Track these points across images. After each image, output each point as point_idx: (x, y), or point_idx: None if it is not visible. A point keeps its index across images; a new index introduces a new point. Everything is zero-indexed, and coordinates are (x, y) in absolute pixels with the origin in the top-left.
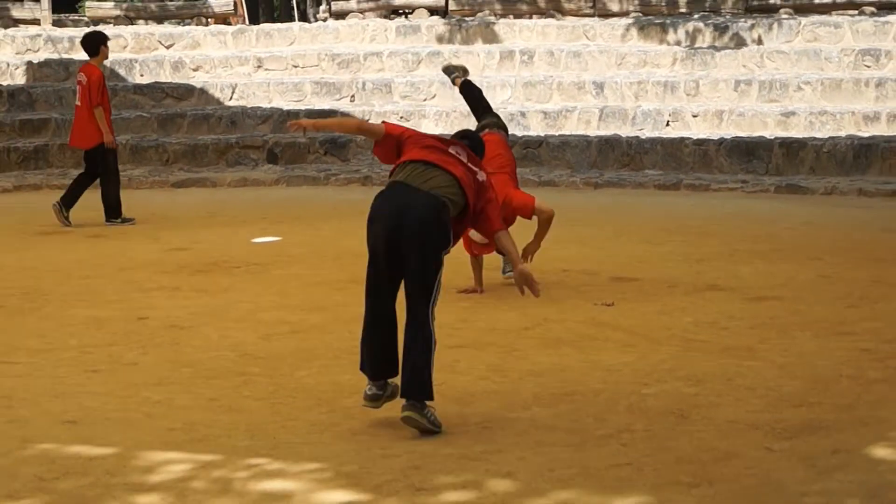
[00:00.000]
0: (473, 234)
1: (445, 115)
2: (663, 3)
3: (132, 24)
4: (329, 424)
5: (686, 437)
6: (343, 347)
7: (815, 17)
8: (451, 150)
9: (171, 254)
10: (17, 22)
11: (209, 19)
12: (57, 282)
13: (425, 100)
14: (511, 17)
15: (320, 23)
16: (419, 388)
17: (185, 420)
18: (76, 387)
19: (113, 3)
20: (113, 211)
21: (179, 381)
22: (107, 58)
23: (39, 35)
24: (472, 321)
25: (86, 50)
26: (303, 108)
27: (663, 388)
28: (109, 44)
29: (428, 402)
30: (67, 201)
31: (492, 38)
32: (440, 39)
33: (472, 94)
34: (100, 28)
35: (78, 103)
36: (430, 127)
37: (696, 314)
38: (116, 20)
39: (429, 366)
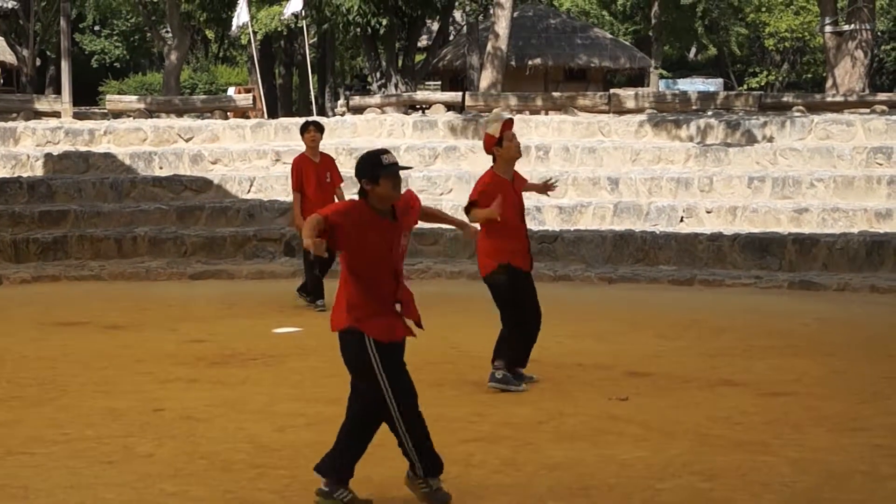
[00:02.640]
0: None
1: (462, 210)
2: (677, 101)
3: (151, 116)
4: None
5: None
6: None
7: (828, 115)
8: None
9: (188, 345)
10: (38, 114)
11: (229, 113)
12: (74, 373)
13: (442, 194)
14: (527, 112)
15: (338, 117)
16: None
17: None
18: (92, 478)
19: (136, 97)
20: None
21: (195, 473)
22: (309, 145)
23: (60, 127)
24: (487, 415)
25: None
26: None
27: (678, 483)
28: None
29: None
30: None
31: None
32: (456, 134)
33: None
34: (120, 121)
35: None
36: None
37: (709, 409)
38: (137, 113)
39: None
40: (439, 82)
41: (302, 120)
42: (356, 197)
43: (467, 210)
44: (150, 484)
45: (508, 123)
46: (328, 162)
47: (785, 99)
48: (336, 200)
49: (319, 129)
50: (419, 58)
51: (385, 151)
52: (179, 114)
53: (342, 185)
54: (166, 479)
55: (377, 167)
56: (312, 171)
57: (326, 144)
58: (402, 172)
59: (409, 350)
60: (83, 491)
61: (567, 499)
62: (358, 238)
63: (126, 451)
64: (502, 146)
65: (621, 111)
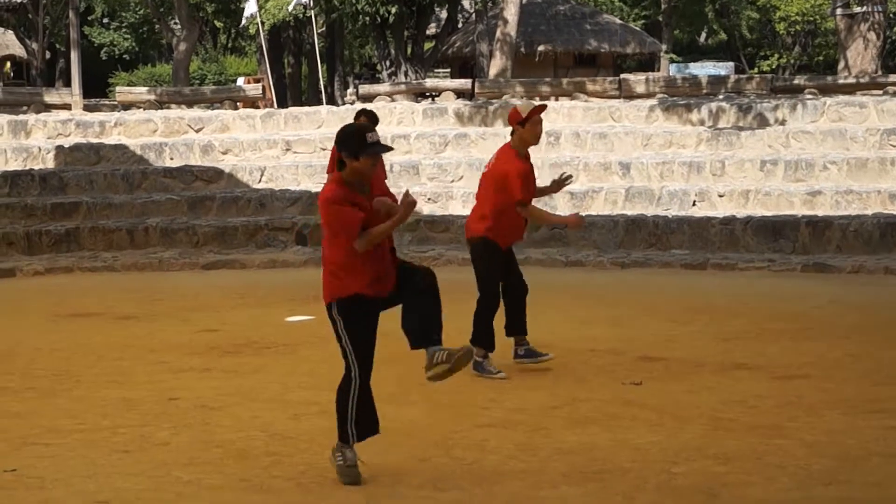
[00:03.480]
0: None
1: (473, 197)
2: (687, 85)
3: (162, 108)
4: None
5: None
6: None
7: (840, 98)
8: None
9: (201, 335)
10: (49, 107)
11: (238, 103)
12: (88, 363)
13: (452, 181)
14: (537, 98)
15: (348, 105)
16: None
17: (215, 500)
18: (108, 467)
19: (145, 88)
20: None
21: (210, 462)
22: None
23: (70, 120)
24: (501, 401)
25: None
26: None
27: (692, 467)
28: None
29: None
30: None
31: None
32: (466, 121)
33: None
34: (131, 112)
35: None
36: (457, 208)
37: (723, 393)
38: (147, 105)
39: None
40: (448, 70)
41: (312, 109)
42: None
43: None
44: (165, 472)
45: (540, 108)
46: None
47: (797, 82)
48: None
49: (372, 118)
50: (428, 46)
51: (370, 129)
52: (189, 104)
53: (385, 181)
54: (182, 467)
55: (361, 144)
56: None
57: (335, 132)
58: (412, 162)
59: None
60: (99, 480)
61: (581, 483)
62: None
63: (141, 440)
64: (524, 126)
65: (631, 96)
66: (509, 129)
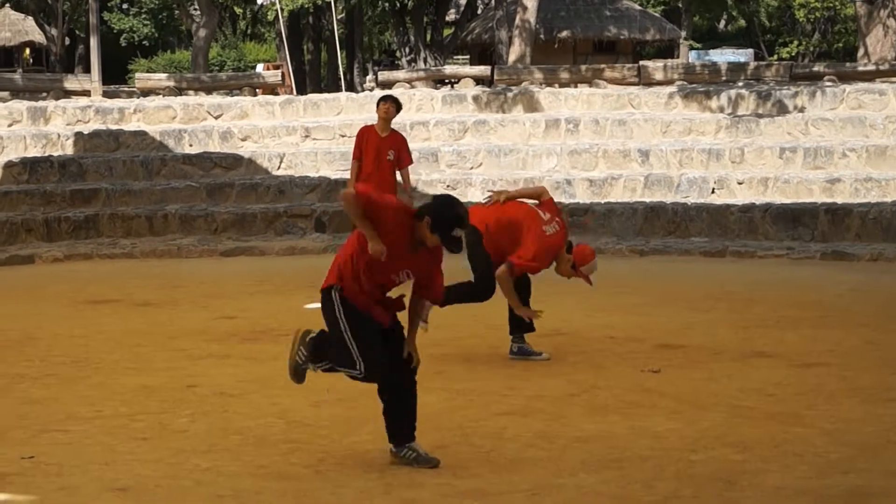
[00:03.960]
0: None
1: (492, 184)
2: (707, 72)
3: (181, 94)
4: (379, 491)
5: (734, 503)
6: None
7: (860, 85)
8: None
9: (220, 322)
10: (68, 93)
11: (257, 90)
12: (107, 350)
13: (471, 168)
14: (556, 85)
15: (367, 92)
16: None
17: (233, 487)
18: (126, 454)
19: (165, 75)
20: None
21: (228, 449)
22: (381, 116)
23: (89, 106)
24: (519, 388)
25: None
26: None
27: (711, 455)
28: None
29: None
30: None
31: (536, 106)
32: (485, 108)
33: None
34: (150, 99)
35: None
36: (476, 195)
37: (742, 381)
38: (166, 91)
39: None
40: (468, 56)
41: (332, 96)
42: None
43: None
44: (184, 459)
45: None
46: (398, 140)
47: (816, 69)
48: (398, 180)
49: (396, 104)
50: (447, 32)
51: (463, 222)
52: (208, 91)
53: (411, 166)
54: (200, 454)
55: (444, 228)
56: (374, 145)
57: (355, 119)
58: (432, 149)
59: (440, 326)
60: (118, 467)
61: (600, 471)
62: (386, 234)
63: (160, 427)
64: (575, 270)
65: (650, 83)
66: (528, 115)
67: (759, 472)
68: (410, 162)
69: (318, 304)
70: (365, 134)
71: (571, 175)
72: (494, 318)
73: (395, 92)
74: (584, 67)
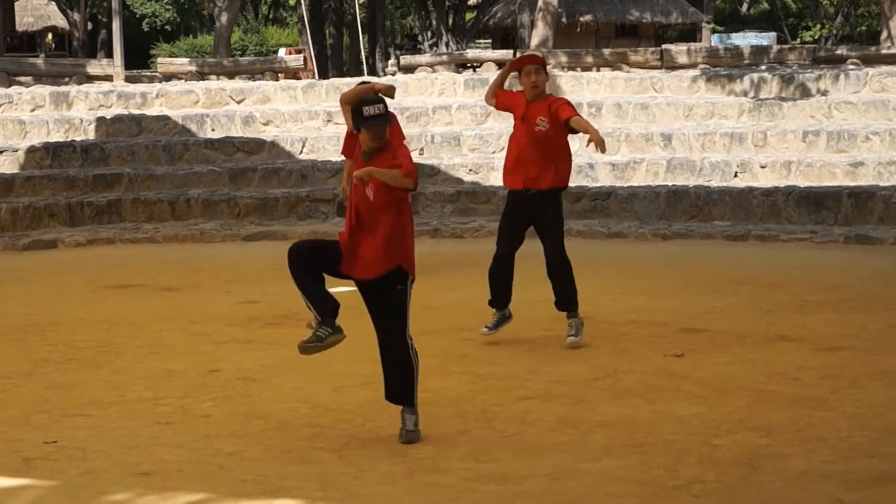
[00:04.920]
0: None
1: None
2: (729, 55)
3: (203, 79)
4: (402, 475)
5: (757, 487)
6: None
7: (883, 68)
8: None
9: (242, 307)
10: (91, 78)
11: (280, 74)
12: (130, 335)
13: (494, 152)
14: (578, 69)
15: (389, 77)
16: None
17: (257, 472)
18: (149, 439)
19: (187, 59)
20: None
21: (251, 433)
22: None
23: (112, 91)
24: (542, 373)
25: None
26: None
27: (734, 439)
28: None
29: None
30: None
31: (558, 90)
32: None
33: None
34: (172, 83)
35: None
36: (498, 179)
37: (766, 365)
38: (188, 76)
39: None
40: (490, 40)
41: (354, 80)
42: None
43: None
44: (207, 444)
45: (527, 59)
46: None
47: (839, 52)
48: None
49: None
50: (469, 16)
51: (371, 102)
52: (230, 76)
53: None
54: (223, 439)
55: (358, 118)
56: None
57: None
58: (454, 133)
59: (462, 310)
60: (141, 451)
61: (623, 456)
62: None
63: (183, 412)
64: (519, 77)
65: (673, 66)
66: None
67: (782, 456)
68: (403, 137)
69: (342, 289)
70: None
71: (594, 159)
72: (516, 301)
73: (418, 76)
74: (608, 51)
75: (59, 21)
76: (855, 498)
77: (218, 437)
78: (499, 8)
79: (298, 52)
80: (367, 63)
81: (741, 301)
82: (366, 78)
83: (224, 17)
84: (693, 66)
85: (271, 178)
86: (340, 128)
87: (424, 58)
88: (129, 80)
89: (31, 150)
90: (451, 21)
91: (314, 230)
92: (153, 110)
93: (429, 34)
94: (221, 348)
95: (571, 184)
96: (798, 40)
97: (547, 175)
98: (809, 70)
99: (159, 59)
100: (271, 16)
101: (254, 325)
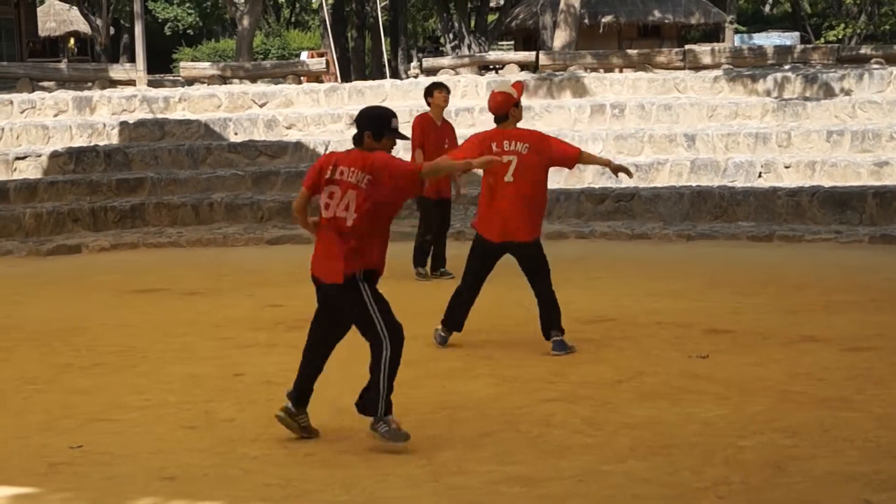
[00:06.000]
0: None
1: None
2: (753, 55)
3: (226, 83)
4: (426, 478)
5: (783, 489)
6: (436, 402)
7: None
8: None
9: (266, 310)
10: (113, 83)
11: (302, 77)
12: (154, 339)
13: None
14: (601, 70)
15: (412, 79)
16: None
17: (281, 476)
18: (174, 443)
19: (209, 63)
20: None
21: (275, 437)
22: (441, 105)
23: (135, 95)
24: (566, 375)
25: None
26: None
27: (759, 441)
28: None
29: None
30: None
31: (582, 91)
32: (530, 94)
33: None
34: (195, 87)
35: None
36: None
37: (791, 366)
38: (211, 79)
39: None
40: (512, 42)
41: (376, 83)
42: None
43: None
44: (231, 448)
45: (519, 86)
46: (449, 129)
47: (863, 51)
48: None
49: (448, 90)
50: (491, 18)
51: (395, 115)
52: (253, 79)
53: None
54: (248, 443)
55: (386, 127)
56: (433, 134)
57: (399, 106)
58: (476, 133)
59: (485, 312)
60: (166, 456)
61: (648, 458)
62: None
63: (207, 416)
64: (518, 108)
65: (697, 67)
66: (576, 101)
67: (808, 457)
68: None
69: None
70: (423, 123)
71: (617, 160)
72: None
73: (440, 78)
74: (633, 52)
75: (82, 26)
76: (882, 499)
77: (242, 441)
78: (521, 10)
79: (321, 55)
80: (389, 66)
81: (766, 302)
82: (392, 81)
83: (246, 21)
84: (716, 66)
85: (294, 182)
86: None
87: (447, 60)
88: (151, 84)
89: (54, 155)
90: (473, 23)
91: None
92: (176, 114)
93: (451, 36)
94: (245, 352)
95: (595, 185)
96: (821, 40)
97: None
98: (833, 70)
99: (182, 64)
100: (293, 19)
101: (277, 328)
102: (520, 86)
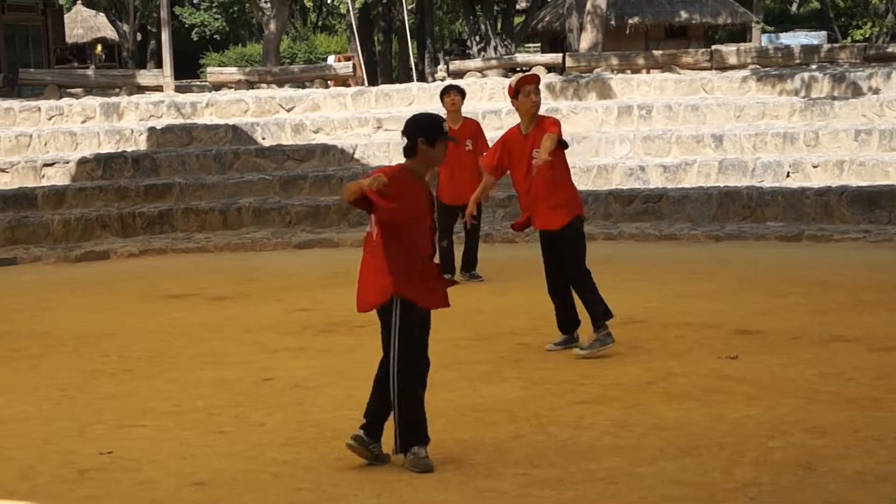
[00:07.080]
0: None
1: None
2: (780, 55)
3: (253, 88)
4: (456, 482)
5: (814, 489)
6: (466, 405)
7: None
8: None
9: (294, 315)
10: (141, 89)
11: (329, 81)
12: (183, 345)
13: None
14: (628, 71)
15: (439, 82)
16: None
17: (311, 480)
18: (204, 448)
19: (236, 68)
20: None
21: (305, 442)
22: (449, 109)
23: (162, 101)
24: (596, 376)
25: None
26: None
27: (789, 441)
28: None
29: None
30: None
31: (608, 93)
32: (558, 95)
33: None
34: (222, 92)
35: None
36: None
37: (820, 366)
38: (238, 84)
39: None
40: (539, 44)
41: (403, 86)
42: None
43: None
44: (261, 453)
45: (528, 79)
46: (472, 128)
47: (890, 50)
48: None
49: (461, 92)
50: (518, 20)
51: (443, 119)
52: (280, 84)
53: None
54: (277, 447)
55: (439, 132)
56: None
57: (426, 109)
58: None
59: (515, 314)
60: (195, 461)
61: (678, 459)
62: (403, 201)
63: (237, 421)
64: (517, 99)
65: (724, 67)
66: (603, 102)
67: (838, 457)
68: (488, 147)
69: None
70: None
71: (645, 161)
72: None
73: (467, 81)
74: (659, 53)
75: (109, 32)
76: None
77: (272, 446)
78: (547, 12)
79: (347, 59)
80: (416, 69)
81: (795, 302)
82: (419, 84)
83: (273, 26)
84: (743, 66)
85: (322, 186)
86: (390, 134)
87: (474, 63)
88: (178, 89)
89: (82, 162)
90: (499, 25)
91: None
92: (203, 119)
93: (477, 39)
94: (274, 357)
95: (623, 186)
96: (849, 39)
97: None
98: (860, 69)
99: (209, 69)
100: (320, 23)
101: (306, 333)
102: (524, 79)
